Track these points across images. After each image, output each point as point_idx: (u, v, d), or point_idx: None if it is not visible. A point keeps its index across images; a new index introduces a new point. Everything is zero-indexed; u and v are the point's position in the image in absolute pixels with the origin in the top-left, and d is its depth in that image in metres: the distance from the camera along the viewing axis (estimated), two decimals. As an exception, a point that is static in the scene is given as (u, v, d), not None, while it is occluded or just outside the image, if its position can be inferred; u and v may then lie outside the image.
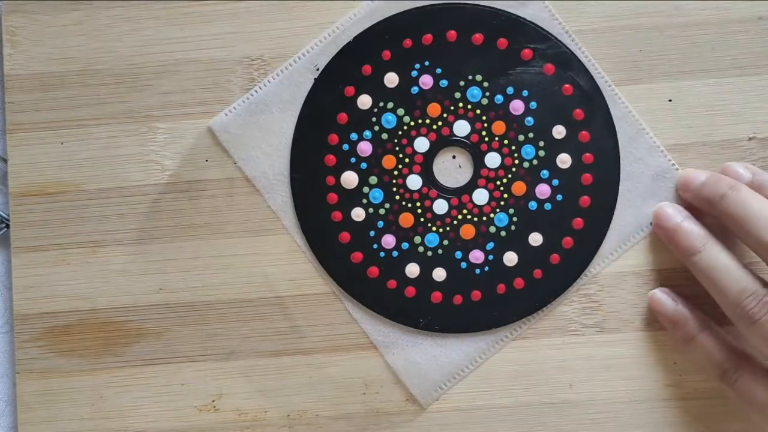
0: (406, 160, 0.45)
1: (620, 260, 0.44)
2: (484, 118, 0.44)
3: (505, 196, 0.44)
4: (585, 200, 0.44)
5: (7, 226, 0.46)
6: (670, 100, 0.44)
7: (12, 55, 0.45)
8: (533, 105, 0.44)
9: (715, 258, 0.41)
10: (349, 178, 0.44)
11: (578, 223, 0.44)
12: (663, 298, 0.43)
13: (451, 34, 0.44)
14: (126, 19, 0.45)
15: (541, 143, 0.44)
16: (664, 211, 0.43)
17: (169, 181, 0.45)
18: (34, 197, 0.45)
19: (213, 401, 0.45)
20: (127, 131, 0.45)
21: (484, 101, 0.44)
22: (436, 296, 0.44)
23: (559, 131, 0.44)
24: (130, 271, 0.45)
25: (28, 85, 0.45)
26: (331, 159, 0.45)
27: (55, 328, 0.45)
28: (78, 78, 0.45)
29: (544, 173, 0.44)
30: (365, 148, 0.45)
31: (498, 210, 0.44)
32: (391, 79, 0.45)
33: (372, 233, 0.44)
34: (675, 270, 0.44)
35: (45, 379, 0.45)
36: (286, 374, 0.44)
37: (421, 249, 0.44)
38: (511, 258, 0.44)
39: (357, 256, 0.44)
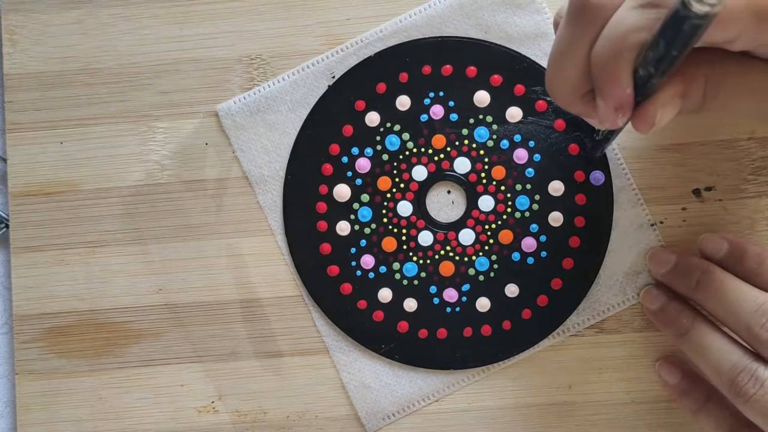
0: (402, 185, 0.44)
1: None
2: (486, 159, 0.44)
3: (491, 241, 0.44)
4: (568, 262, 0.44)
5: (7, 226, 0.45)
6: (670, 101, 0.44)
7: (11, 54, 0.45)
8: (537, 157, 0.44)
9: (703, 337, 0.39)
10: (342, 191, 0.44)
11: (557, 283, 0.44)
12: (670, 370, 0.43)
13: (471, 70, 0.44)
14: (125, 18, 0.45)
15: (537, 197, 0.44)
16: (648, 293, 0.43)
17: (168, 180, 0.45)
18: (34, 197, 0.45)
19: (212, 402, 0.45)
20: (127, 131, 0.45)
21: (490, 143, 0.44)
22: (403, 326, 0.44)
23: (556, 188, 0.44)
24: (130, 272, 0.45)
25: (28, 84, 0.45)
26: (328, 168, 0.44)
27: (55, 328, 0.45)
28: (77, 77, 0.45)
29: (534, 227, 0.44)
30: (364, 164, 0.44)
31: (481, 253, 0.44)
32: (403, 102, 0.44)
33: (353, 250, 0.44)
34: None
35: (44, 381, 0.45)
36: (286, 375, 0.44)
37: (397, 276, 0.44)
38: (483, 304, 0.44)
39: (333, 270, 0.44)
